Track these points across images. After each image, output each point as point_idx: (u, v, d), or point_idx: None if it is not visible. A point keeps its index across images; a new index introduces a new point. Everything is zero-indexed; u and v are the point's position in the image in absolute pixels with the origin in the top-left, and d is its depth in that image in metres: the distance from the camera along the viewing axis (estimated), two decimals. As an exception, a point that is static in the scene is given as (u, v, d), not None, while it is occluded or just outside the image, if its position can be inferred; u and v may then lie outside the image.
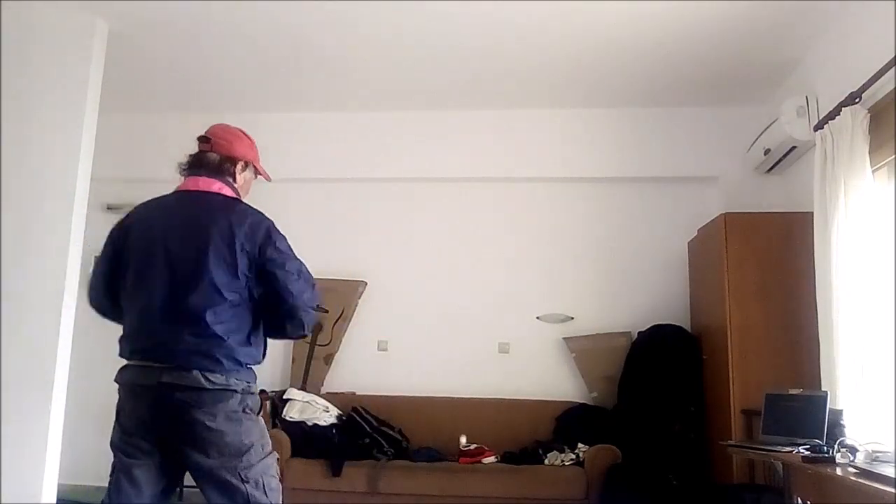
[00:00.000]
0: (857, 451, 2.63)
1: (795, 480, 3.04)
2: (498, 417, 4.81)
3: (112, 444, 2.15)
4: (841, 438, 2.79)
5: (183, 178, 2.29)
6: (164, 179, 6.19)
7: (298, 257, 2.22)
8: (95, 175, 4.05)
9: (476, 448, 4.50)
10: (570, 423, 4.68)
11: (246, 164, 2.35)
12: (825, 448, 2.79)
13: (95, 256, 2.36)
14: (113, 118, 4.82)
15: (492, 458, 4.44)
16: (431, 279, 5.27)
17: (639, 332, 4.85)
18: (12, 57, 3.89)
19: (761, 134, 4.53)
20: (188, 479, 5.47)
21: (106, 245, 2.26)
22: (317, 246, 5.37)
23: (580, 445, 4.41)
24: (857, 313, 3.24)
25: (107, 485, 2.09)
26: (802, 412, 3.14)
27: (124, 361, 2.26)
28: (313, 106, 5.30)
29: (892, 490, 2.12)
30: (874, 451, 2.60)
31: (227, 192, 2.24)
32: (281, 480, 2.15)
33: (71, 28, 3.94)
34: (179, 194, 2.27)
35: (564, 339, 5.08)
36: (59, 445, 3.68)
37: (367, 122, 5.36)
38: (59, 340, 3.67)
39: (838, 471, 2.52)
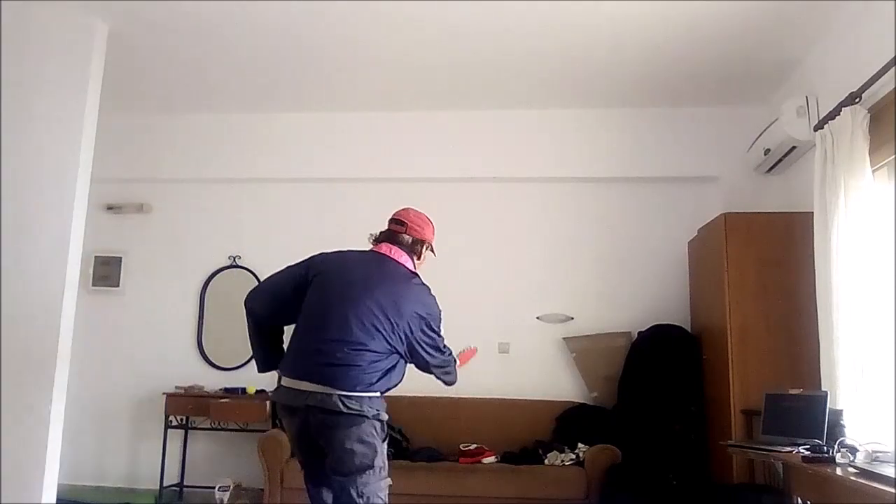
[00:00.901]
0: (857, 451, 2.63)
1: (795, 480, 3.04)
2: (498, 417, 4.81)
3: None
4: (841, 438, 2.79)
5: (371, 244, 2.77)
6: (164, 179, 6.24)
7: (442, 338, 2.70)
8: (95, 175, 4.05)
9: (476, 448, 4.50)
10: (570, 423, 4.68)
11: (429, 246, 2.83)
12: (825, 448, 2.79)
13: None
14: (113, 118, 4.82)
15: (492, 458, 4.44)
16: (431, 279, 5.25)
17: (639, 332, 4.85)
18: (12, 57, 3.89)
19: (761, 134, 4.53)
20: (188, 479, 5.46)
21: (301, 264, 2.71)
22: (317, 246, 5.35)
23: (580, 445, 4.41)
24: (857, 313, 3.24)
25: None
26: (802, 412, 3.13)
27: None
28: (313, 106, 5.30)
29: (892, 490, 2.12)
30: (874, 451, 2.60)
31: (410, 266, 2.72)
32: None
33: (71, 28, 3.94)
34: (375, 253, 2.72)
35: (564, 339, 5.08)
36: (59, 445, 3.68)
37: (367, 122, 5.36)
38: (59, 340, 3.67)
39: (838, 471, 2.52)
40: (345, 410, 2.36)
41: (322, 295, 2.56)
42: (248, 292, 2.73)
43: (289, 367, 2.52)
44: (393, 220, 2.80)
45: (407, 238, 2.74)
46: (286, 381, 2.49)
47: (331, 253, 2.75)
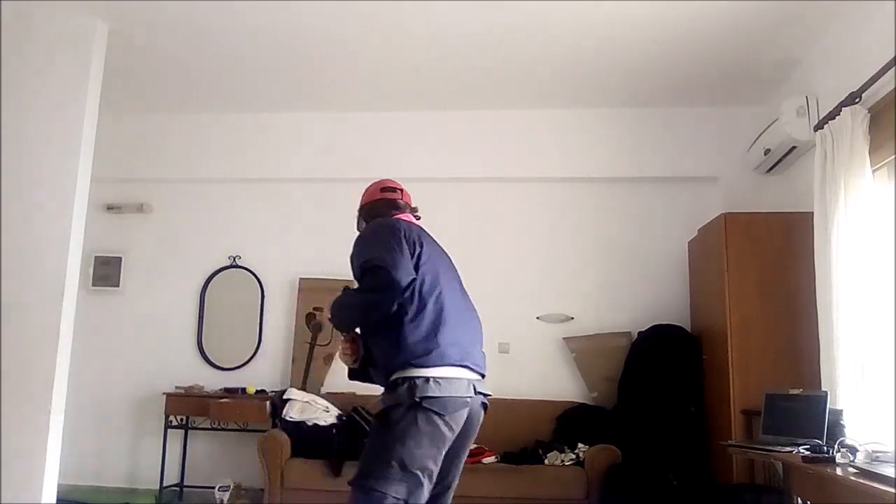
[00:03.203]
0: (857, 451, 2.63)
1: (795, 480, 3.04)
2: (498, 417, 4.74)
3: None
4: (841, 438, 2.79)
5: (395, 213, 2.54)
6: (164, 179, 6.24)
7: None
8: (95, 175, 4.05)
9: (476, 448, 4.49)
10: (570, 423, 4.68)
11: None
12: (825, 448, 2.79)
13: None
14: (113, 118, 4.82)
15: (492, 458, 4.43)
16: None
17: (639, 332, 4.85)
18: (12, 57, 3.89)
19: (761, 134, 4.53)
20: (188, 479, 5.43)
21: (401, 239, 2.29)
22: (317, 246, 5.38)
23: (580, 445, 4.41)
24: (857, 313, 3.24)
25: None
26: (802, 412, 3.13)
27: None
28: (313, 106, 5.30)
29: (892, 490, 2.12)
30: (874, 451, 2.60)
31: None
32: None
33: (71, 28, 3.94)
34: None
35: (564, 339, 5.08)
36: (59, 445, 3.68)
37: (366, 122, 5.36)
38: (59, 340, 3.67)
39: (838, 471, 2.52)
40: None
41: (440, 276, 2.33)
42: (390, 277, 2.13)
43: (453, 355, 2.17)
44: (390, 189, 2.63)
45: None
46: (452, 371, 2.15)
47: (409, 223, 2.46)
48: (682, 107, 5.11)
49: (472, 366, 2.22)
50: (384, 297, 2.14)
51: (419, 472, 2.08)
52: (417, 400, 2.07)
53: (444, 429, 2.10)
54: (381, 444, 2.11)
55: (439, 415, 2.08)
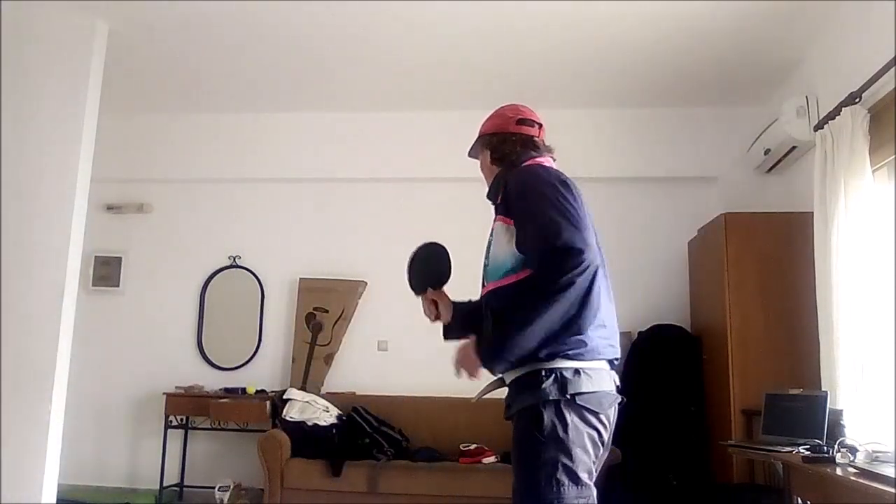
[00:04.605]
0: (857, 451, 2.63)
1: (795, 480, 3.03)
2: (498, 417, 4.73)
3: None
4: (841, 438, 2.79)
5: (533, 157, 2.19)
6: (164, 179, 6.23)
7: None
8: (95, 175, 4.05)
9: (476, 448, 4.50)
10: (569, 424, 4.67)
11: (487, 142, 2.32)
12: (825, 448, 2.80)
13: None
14: (113, 118, 4.82)
15: (492, 458, 4.43)
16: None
17: (639, 332, 4.84)
18: (12, 57, 3.89)
19: (761, 134, 4.53)
20: (188, 479, 5.40)
21: (573, 195, 1.99)
22: (317, 246, 5.38)
23: (580, 445, 4.40)
24: (857, 313, 3.24)
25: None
26: (802, 412, 3.14)
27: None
28: (313, 106, 5.30)
29: (892, 490, 2.12)
30: (874, 451, 2.60)
31: None
32: None
33: (71, 28, 3.94)
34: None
35: (564, 339, 5.07)
36: (59, 445, 3.69)
37: (367, 122, 5.36)
38: (59, 340, 3.68)
39: (838, 471, 2.52)
40: None
41: (597, 247, 2.02)
42: (573, 237, 1.88)
43: (600, 347, 1.85)
44: (528, 122, 2.27)
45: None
46: (599, 364, 1.83)
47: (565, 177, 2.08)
48: (682, 107, 5.11)
49: (614, 360, 1.89)
50: (578, 287, 1.79)
51: (591, 484, 1.76)
52: (569, 396, 1.75)
53: (602, 429, 1.80)
54: (541, 458, 1.73)
55: (595, 413, 1.78)
